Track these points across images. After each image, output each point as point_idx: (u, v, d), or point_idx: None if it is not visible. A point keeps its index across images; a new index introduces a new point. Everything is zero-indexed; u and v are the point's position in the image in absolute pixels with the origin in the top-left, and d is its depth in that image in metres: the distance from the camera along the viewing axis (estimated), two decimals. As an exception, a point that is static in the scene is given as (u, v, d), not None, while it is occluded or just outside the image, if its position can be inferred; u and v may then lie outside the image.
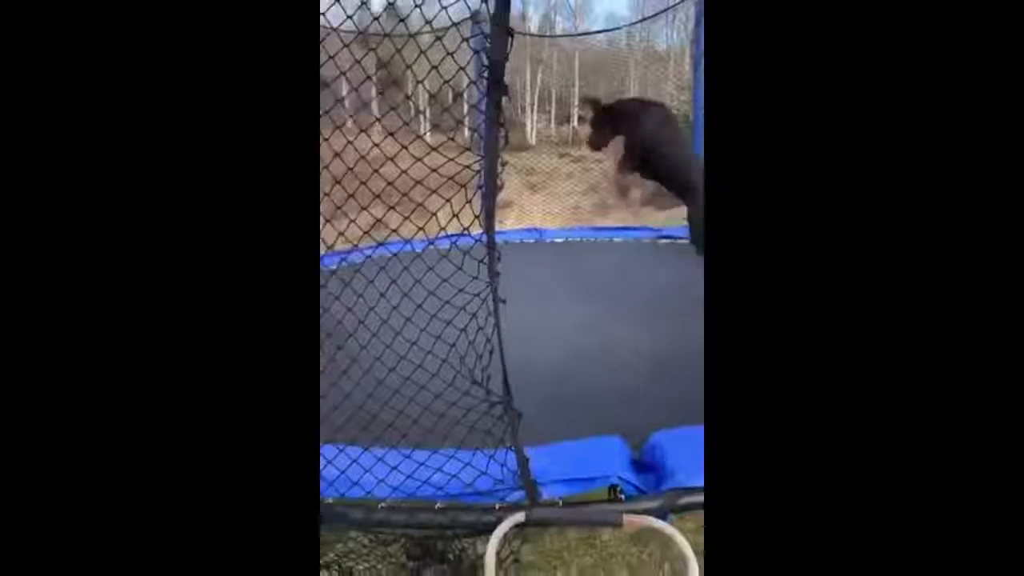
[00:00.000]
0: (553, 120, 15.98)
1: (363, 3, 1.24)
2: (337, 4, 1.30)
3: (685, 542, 1.20)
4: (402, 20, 1.30)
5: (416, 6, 1.22)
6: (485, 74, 1.20)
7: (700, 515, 1.61)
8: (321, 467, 1.46)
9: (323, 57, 1.31)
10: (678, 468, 1.44)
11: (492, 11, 1.19)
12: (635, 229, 5.26)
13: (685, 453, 1.47)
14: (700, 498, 1.36)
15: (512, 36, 1.21)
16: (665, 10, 8.17)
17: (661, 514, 1.33)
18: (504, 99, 1.22)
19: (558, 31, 18.28)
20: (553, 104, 16.18)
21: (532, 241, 4.92)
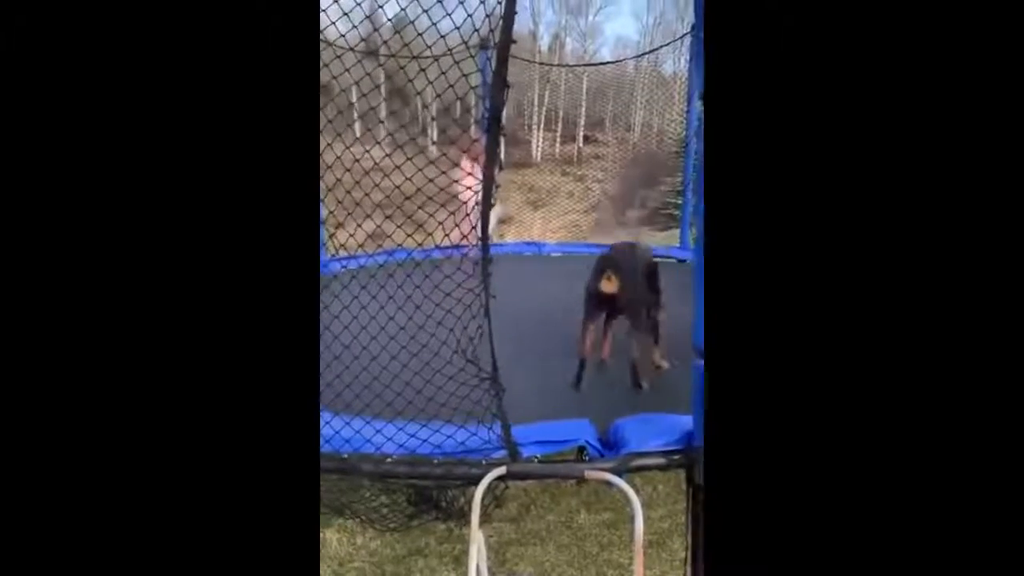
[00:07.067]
0: (558, 139, 16.35)
1: (376, 29, 1.48)
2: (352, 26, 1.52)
3: (633, 492, 1.49)
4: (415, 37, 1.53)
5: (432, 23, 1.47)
6: (487, 103, 1.49)
7: (648, 475, 1.90)
8: (340, 429, 1.78)
9: (337, 70, 1.59)
10: (632, 440, 1.75)
11: (495, 65, 1.50)
12: (630, 247, 5.57)
13: (639, 431, 1.77)
14: (649, 461, 1.67)
15: (509, 88, 1.54)
16: (671, 42, 8.63)
17: (617, 473, 1.62)
18: (504, 123, 1.51)
19: (567, 52, 18.77)
20: (559, 124, 16.55)
21: (530, 254, 5.24)
